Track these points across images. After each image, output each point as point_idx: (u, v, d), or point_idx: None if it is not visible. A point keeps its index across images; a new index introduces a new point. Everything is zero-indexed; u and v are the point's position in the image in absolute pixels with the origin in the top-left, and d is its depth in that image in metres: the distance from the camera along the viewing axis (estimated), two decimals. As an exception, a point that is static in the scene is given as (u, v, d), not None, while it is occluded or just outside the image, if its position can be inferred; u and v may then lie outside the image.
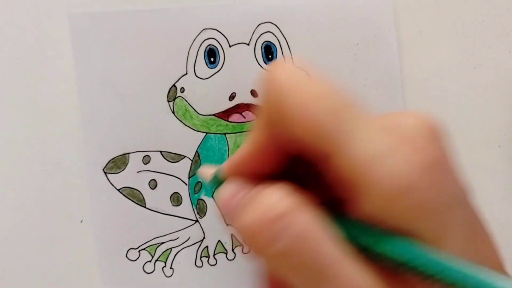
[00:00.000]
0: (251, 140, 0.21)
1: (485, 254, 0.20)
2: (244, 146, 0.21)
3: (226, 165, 0.22)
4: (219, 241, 0.32)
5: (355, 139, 0.18)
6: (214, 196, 0.32)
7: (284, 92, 0.19)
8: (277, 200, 0.19)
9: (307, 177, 0.20)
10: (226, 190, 0.22)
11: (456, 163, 0.21)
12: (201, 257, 0.32)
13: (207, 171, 0.27)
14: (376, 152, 0.18)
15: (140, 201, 0.31)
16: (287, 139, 0.20)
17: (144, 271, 0.31)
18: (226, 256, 0.32)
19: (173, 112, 0.32)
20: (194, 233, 0.32)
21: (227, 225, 0.32)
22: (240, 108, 0.32)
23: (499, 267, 0.21)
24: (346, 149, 0.18)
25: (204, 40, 0.32)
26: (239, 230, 0.20)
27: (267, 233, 0.18)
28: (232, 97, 0.32)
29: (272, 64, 0.20)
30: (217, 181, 0.25)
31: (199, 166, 0.32)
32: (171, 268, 0.32)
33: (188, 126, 0.32)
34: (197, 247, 0.32)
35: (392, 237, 0.19)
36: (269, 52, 0.32)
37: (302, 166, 0.20)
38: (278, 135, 0.20)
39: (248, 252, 0.32)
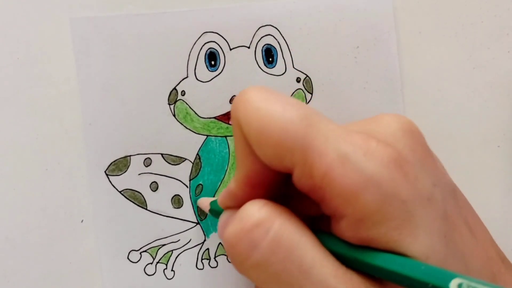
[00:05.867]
0: (237, 174, 0.21)
1: (470, 248, 0.20)
2: (233, 178, 0.22)
3: (221, 198, 0.23)
4: (220, 243, 0.32)
5: (314, 148, 0.18)
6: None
7: (244, 127, 0.20)
8: (254, 210, 0.19)
9: (302, 197, 0.20)
10: (222, 219, 0.22)
11: (434, 159, 0.21)
12: (202, 259, 0.32)
13: (205, 202, 0.28)
14: (337, 153, 0.18)
15: (142, 203, 0.32)
16: (263, 166, 0.20)
17: (145, 273, 0.32)
18: (227, 259, 0.32)
19: (174, 115, 0.32)
20: (195, 235, 0.32)
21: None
22: (241, 110, 0.32)
23: (490, 261, 0.21)
24: (307, 159, 0.18)
25: (205, 44, 0.32)
26: (224, 246, 0.20)
27: (246, 242, 0.19)
28: (232, 100, 0.32)
29: (238, 95, 0.20)
30: (216, 212, 0.25)
31: (200, 168, 0.32)
32: (172, 270, 0.32)
33: (189, 129, 0.32)
34: (198, 249, 0.32)
35: (372, 250, 0.19)
36: (269, 55, 0.32)
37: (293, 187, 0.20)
38: (255, 164, 0.20)
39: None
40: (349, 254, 0.19)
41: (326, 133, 0.18)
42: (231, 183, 0.22)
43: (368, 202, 0.17)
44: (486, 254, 0.20)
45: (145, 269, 0.32)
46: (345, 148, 0.18)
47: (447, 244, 0.18)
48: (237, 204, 0.21)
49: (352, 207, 0.18)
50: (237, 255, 0.19)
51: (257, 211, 0.19)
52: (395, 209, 0.17)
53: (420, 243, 0.18)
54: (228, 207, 0.23)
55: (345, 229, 0.18)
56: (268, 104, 0.19)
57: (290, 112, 0.19)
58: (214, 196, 0.32)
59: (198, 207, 0.32)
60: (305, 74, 0.32)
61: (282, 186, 0.21)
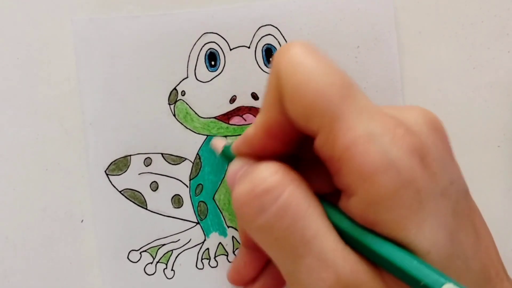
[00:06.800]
0: (258, 119, 0.21)
1: (473, 249, 0.20)
2: (253, 124, 0.21)
3: (236, 142, 0.23)
4: (220, 243, 0.32)
5: (345, 120, 0.18)
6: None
7: (283, 76, 0.19)
8: (267, 175, 0.19)
9: (317, 163, 0.20)
10: (233, 166, 0.22)
11: (454, 158, 0.21)
12: (202, 259, 0.32)
13: (219, 143, 0.27)
14: (365, 130, 0.18)
15: (142, 203, 0.32)
16: (287, 119, 0.20)
17: (145, 272, 0.32)
18: (227, 258, 0.32)
19: (174, 115, 0.32)
20: (195, 235, 0.32)
21: (228, 227, 0.32)
22: (241, 110, 0.32)
23: (490, 265, 0.21)
24: (335, 127, 0.18)
25: (205, 44, 0.32)
26: (232, 202, 0.21)
27: (254, 205, 0.19)
28: (232, 100, 0.32)
29: (283, 45, 0.20)
30: (227, 156, 0.25)
31: (200, 168, 0.32)
32: (172, 270, 0.32)
33: (189, 129, 0.32)
34: (198, 249, 0.32)
35: (376, 236, 0.19)
36: (269, 55, 0.32)
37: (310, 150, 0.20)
38: (280, 115, 0.20)
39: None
40: (351, 232, 0.19)
41: (360, 107, 0.18)
42: (249, 129, 0.22)
43: (384, 185, 0.17)
44: (488, 257, 0.20)
45: (145, 269, 0.32)
46: (374, 128, 0.18)
47: (452, 241, 0.18)
48: (251, 151, 0.21)
49: (366, 186, 0.18)
50: (244, 216, 0.19)
51: (270, 176, 0.19)
52: (408, 197, 0.18)
53: (424, 237, 0.18)
54: (242, 153, 0.22)
55: (354, 207, 0.19)
56: (312, 62, 0.19)
57: (332, 77, 0.19)
58: (215, 193, 0.32)
59: (198, 206, 0.32)
60: (305, 74, 0.32)
61: (298, 146, 0.21)
